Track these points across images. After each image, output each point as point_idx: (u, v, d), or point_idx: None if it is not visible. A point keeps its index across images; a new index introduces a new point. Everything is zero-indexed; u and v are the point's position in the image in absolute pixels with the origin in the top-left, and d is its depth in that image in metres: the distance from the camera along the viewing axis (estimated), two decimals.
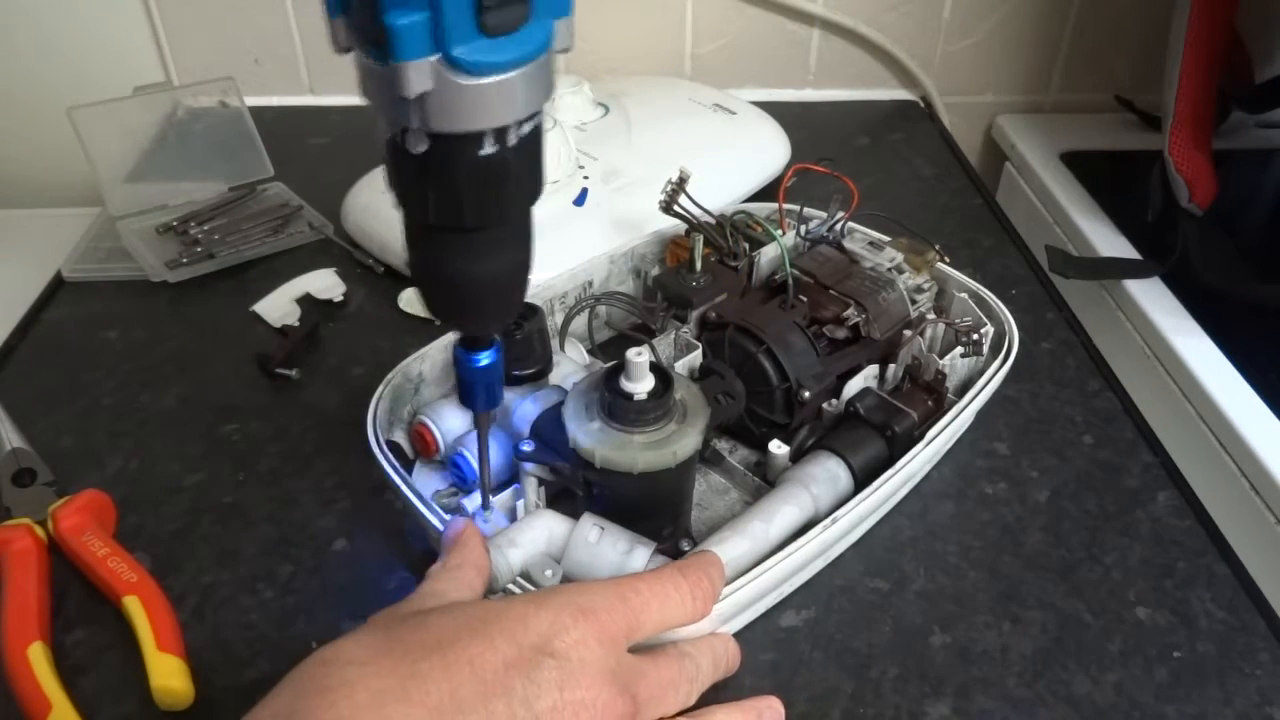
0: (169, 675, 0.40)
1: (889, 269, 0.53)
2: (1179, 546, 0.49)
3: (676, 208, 0.54)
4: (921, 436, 0.46)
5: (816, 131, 0.90)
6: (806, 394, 0.47)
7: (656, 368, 0.41)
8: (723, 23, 0.94)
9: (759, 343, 0.48)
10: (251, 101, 0.77)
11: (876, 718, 0.40)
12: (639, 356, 0.40)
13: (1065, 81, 1.01)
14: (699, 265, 0.53)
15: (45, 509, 0.47)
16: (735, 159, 0.76)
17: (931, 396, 0.49)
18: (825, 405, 0.49)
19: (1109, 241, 0.79)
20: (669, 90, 0.86)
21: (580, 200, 0.67)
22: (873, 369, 0.50)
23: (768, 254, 0.55)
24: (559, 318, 0.54)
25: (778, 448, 0.47)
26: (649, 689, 0.34)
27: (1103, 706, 0.41)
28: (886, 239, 0.56)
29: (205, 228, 0.70)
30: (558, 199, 0.66)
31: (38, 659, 0.40)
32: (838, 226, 0.57)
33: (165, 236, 0.70)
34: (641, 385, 0.41)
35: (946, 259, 0.55)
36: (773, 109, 0.83)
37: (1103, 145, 0.94)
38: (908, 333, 0.51)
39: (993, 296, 0.54)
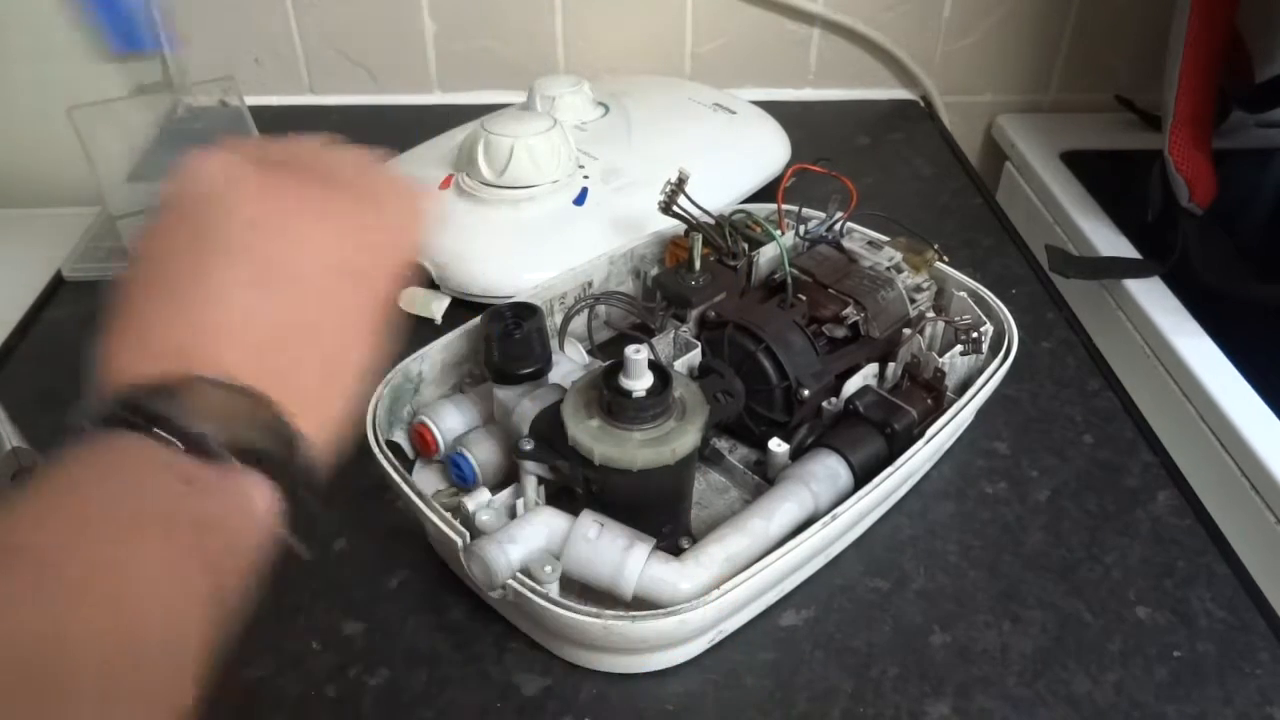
0: None
1: (888, 268, 0.53)
2: (1179, 546, 0.49)
3: (675, 208, 0.54)
4: (921, 434, 0.46)
5: (816, 131, 0.90)
6: (806, 392, 0.47)
7: (655, 365, 0.41)
8: (722, 22, 0.94)
9: (758, 341, 0.48)
10: (251, 101, 0.77)
11: (876, 717, 0.40)
12: (638, 354, 0.40)
13: (1065, 81, 1.01)
14: (698, 265, 0.53)
15: None
16: (735, 159, 0.76)
17: (931, 395, 0.49)
18: (825, 404, 0.49)
19: (1109, 241, 0.79)
20: (669, 90, 0.86)
21: (580, 200, 0.67)
22: (872, 367, 0.50)
23: (767, 254, 0.55)
24: (558, 318, 0.54)
25: (777, 446, 0.47)
26: None
27: (1103, 706, 0.41)
28: (885, 238, 0.56)
29: None
30: (558, 199, 0.66)
31: None
32: (836, 226, 0.57)
33: None
34: (640, 383, 0.41)
35: (945, 258, 0.55)
36: (773, 109, 0.83)
37: (1103, 145, 0.94)
38: (907, 331, 0.51)
39: (992, 295, 0.54)
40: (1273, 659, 0.43)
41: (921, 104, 0.99)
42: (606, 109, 0.78)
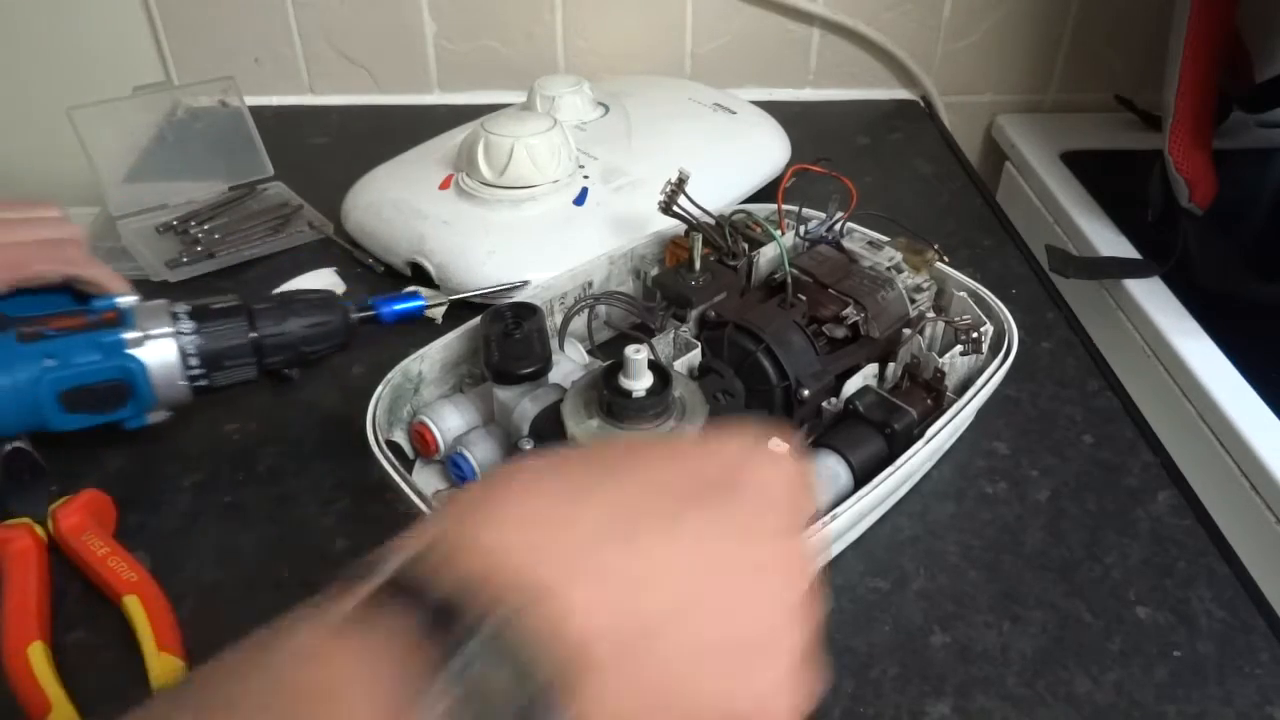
0: (169, 675, 0.40)
1: (888, 268, 0.53)
2: (1179, 546, 0.49)
3: (676, 208, 0.54)
4: (921, 434, 0.46)
5: (816, 131, 0.90)
6: (806, 392, 0.47)
7: (655, 365, 0.41)
8: (722, 22, 0.94)
9: (758, 341, 0.48)
10: (251, 101, 0.77)
11: (876, 717, 0.40)
12: (637, 354, 0.40)
13: (1065, 81, 1.01)
14: (698, 265, 0.53)
15: (46, 508, 0.47)
16: (735, 159, 0.76)
17: (931, 395, 0.49)
18: (824, 404, 0.49)
19: (1109, 241, 0.79)
20: (669, 90, 0.86)
21: (580, 200, 0.67)
22: (872, 367, 0.50)
23: (767, 254, 0.55)
24: (558, 318, 0.54)
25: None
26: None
27: (1103, 706, 0.41)
28: (885, 239, 0.56)
29: (205, 227, 0.70)
30: (558, 199, 0.66)
31: (38, 658, 0.40)
32: (836, 226, 0.57)
33: (165, 236, 0.70)
34: (640, 382, 0.41)
35: (945, 258, 0.55)
36: (772, 109, 0.83)
37: (1103, 145, 0.94)
38: (907, 331, 0.51)
39: (992, 295, 0.54)
40: (1273, 659, 0.43)
41: (921, 104, 0.99)
42: (606, 109, 0.78)
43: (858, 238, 0.57)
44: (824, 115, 0.96)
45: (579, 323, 0.55)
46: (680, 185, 0.54)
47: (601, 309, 0.58)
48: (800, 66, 0.98)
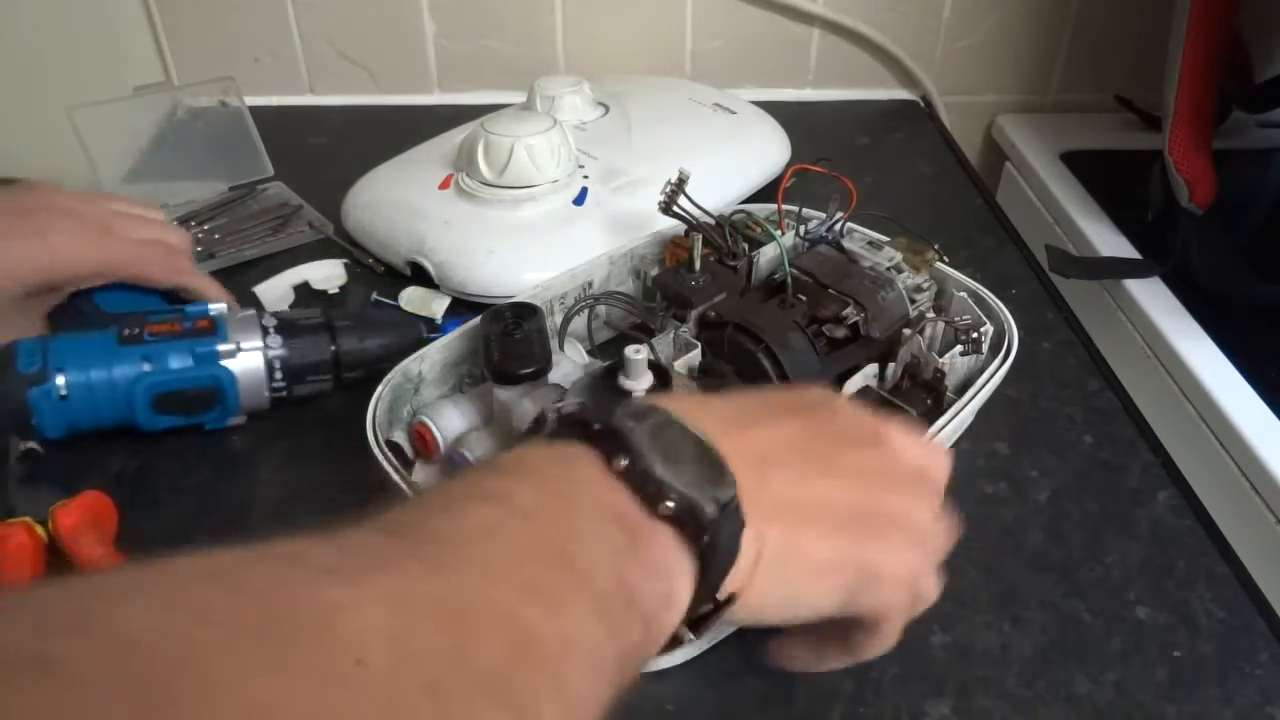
0: None
1: (888, 268, 0.53)
2: (1179, 546, 0.49)
3: (676, 208, 0.54)
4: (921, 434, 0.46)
5: (816, 131, 0.90)
6: None
7: (655, 365, 0.41)
8: (722, 22, 0.94)
9: (758, 341, 0.48)
10: (251, 101, 0.77)
11: (876, 717, 0.40)
12: (637, 354, 0.40)
13: (1065, 81, 1.01)
14: (698, 265, 0.53)
15: (46, 508, 0.47)
16: (735, 159, 0.76)
17: (931, 395, 0.49)
18: None
19: (1109, 241, 0.79)
20: (669, 90, 0.86)
21: (580, 200, 0.67)
22: (872, 368, 0.50)
23: (767, 254, 0.55)
24: (558, 318, 0.54)
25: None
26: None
27: (1103, 706, 0.41)
28: (885, 239, 0.56)
29: (205, 227, 0.70)
30: (558, 199, 0.66)
31: None
32: (836, 226, 0.57)
33: None
34: (640, 383, 0.41)
35: (945, 258, 0.55)
36: (773, 109, 0.83)
37: (1103, 145, 0.94)
38: (907, 331, 0.51)
39: (992, 296, 0.54)
40: (1273, 659, 0.43)
41: (921, 104, 0.99)
42: (606, 109, 0.78)
43: (858, 238, 0.57)
44: (824, 115, 0.96)
45: (579, 323, 0.55)
46: (680, 185, 0.54)
47: (601, 309, 0.58)
48: (800, 66, 0.98)
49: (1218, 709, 0.41)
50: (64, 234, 0.51)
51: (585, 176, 0.68)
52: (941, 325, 0.53)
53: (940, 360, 0.50)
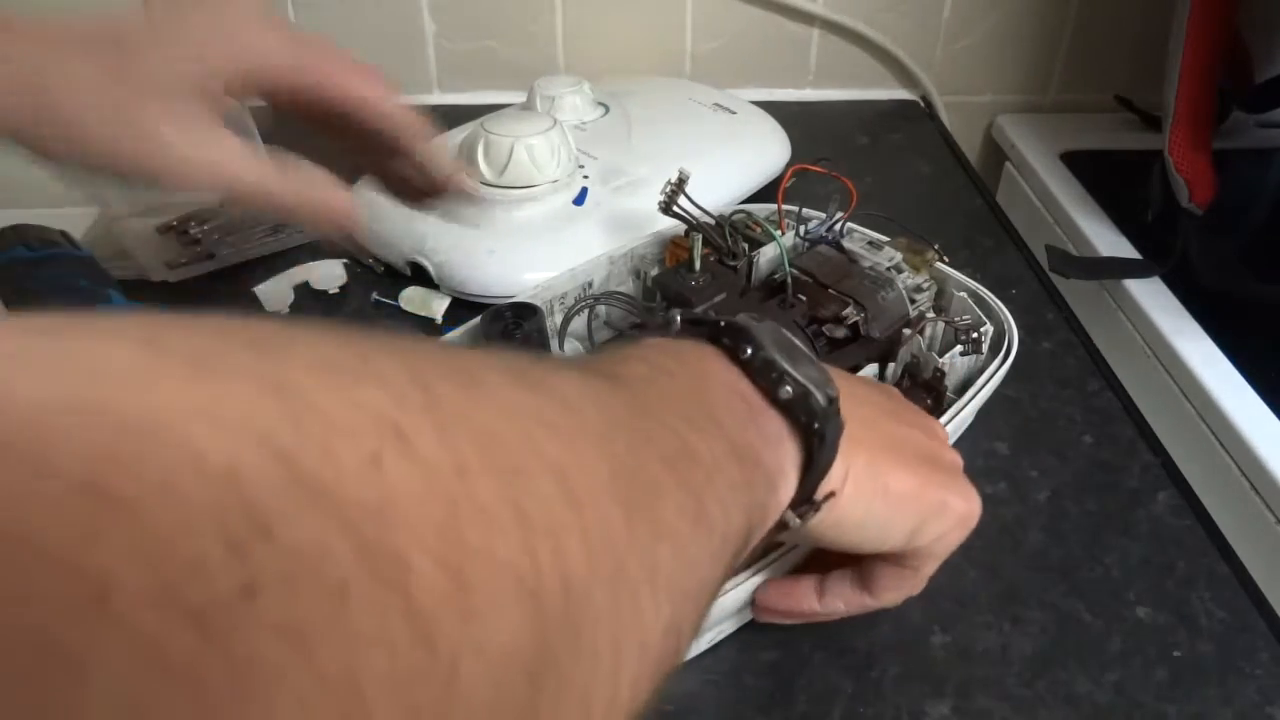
0: None
1: (888, 268, 0.53)
2: (1179, 546, 0.49)
3: (676, 208, 0.54)
4: None
5: (816, 131, 0.90)
6: None
7: None
8: (722, 22, 0.94)
9: None
10: (251, 101, 0.77)
11: (876, 718, 0.40)
12: None
13: (1065, 81, 1.01)
14: (698, 265, 0.53)
15: None
16: (735, 159, 0.76)
17: (930, 395, 0.49)
18: None
19: (1109, 241, 0.79)
20: (669, 90, 0.86)
21: (580, 200, 0.67)
22: (872, 368, 0.50)
23: (767, 254, 0.55)
24: (558, 318, 0.54)
25: None
26: None
27: (1103, 706, 0.41)
28: (886, 239, 0.56)
29: (205, 227, 0.70)
30: (558, 199, 0.66)
31: None
32: (837, 227, 0.57)
33: (165, 236, 0.70)
34: None
35: (946, 259, 0.55)
36: (773, 109, 0.83)
37: (1103, 145, 0.94)
38: (907, 332, 0.51)
39: (992, 296, 0.54)
40: (1273, 659, 0.43)
41: (921, 104, 0.99)
42: (606, 109, 0.78)
43: (858, 238, 0.57)
44: (824, 115, 0.96)
45: (579, 323, 0.55)
46: (681, 185, 0.54)
47: (601, 309, 0.58)
48: (800, 66, 0.98)
49: (1218, 709, 0.41)
50: (242, 9, 0.42)
51: (585, 176, 0.68)
52: (941, 325, 0.53)
53: (940, 360, 0.50)
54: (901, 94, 1.00)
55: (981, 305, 0.54)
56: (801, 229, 0.57)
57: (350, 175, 0.47)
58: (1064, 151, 0.92)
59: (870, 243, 0.56)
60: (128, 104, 0.39)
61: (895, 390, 0.41)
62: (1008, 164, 0.97)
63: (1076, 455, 0.54)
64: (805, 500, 0.31)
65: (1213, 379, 0.65)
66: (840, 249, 0.55)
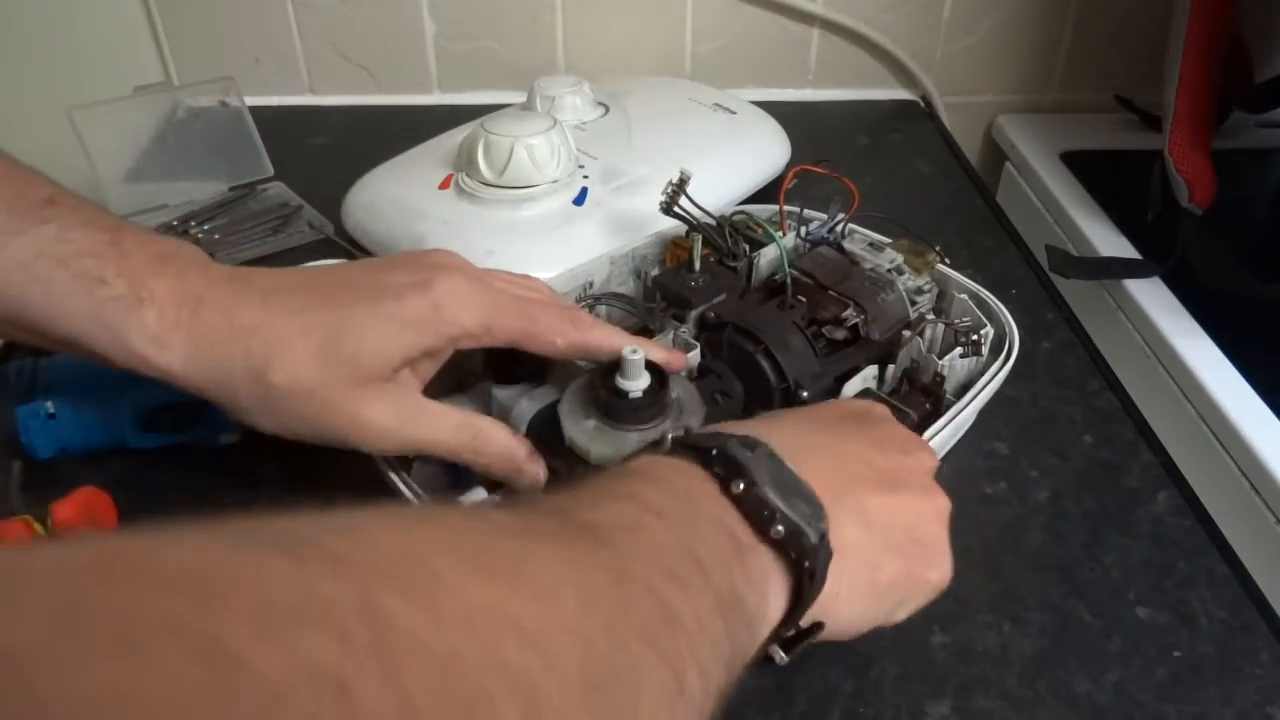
0: None
1: (889, 270, 0.53)
2: (1179, 546, 0.49)
3: (676, 209, 0.54)
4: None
5: (816, 131, 0.90)
6: (805, 394, 0.47)
7: (652, 365, 0.41)
8: (723, 22, 0.94)
9: (757, 343, 0.48)
10: (251, 101, 0.77)
11: (876, 718, 0.40)
12: (634, 354, 0.40)
13: (1065, 81, 1.01)
14: (698, 266, 0.53)
15: (46, 506, 0.47)
16: (735, 159, 0.76)
17: (929, 399, 0.49)
18: None
19: (1109, 241, 0.79)
20: (669, 90, 0.85)
21: (580, 200, 0.67)
22: (871, 370, 0.50)
23: (767, 255, 0.55)
24: None
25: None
26: None
27: (1103, 706, 0.41)
28: (887, 240, 0.56)
29: (205, 228, 0.70)
30: (558, 199, 0.66)
31: None
32: (838, 228, 0.57)
33: (165, 236, 0.70)
34: (637, 383, 0.41)
35: (947, 260, 0.55)
36: (773, 109, 0.83)
37: (1103, 145, 0.94)
38: (907, 334, 0.51)
39: (993, 298, 0.54)
40: (1273, 659, 0.43)
41: (921, 104, 0.99)
42: (606, 109, 0.78)
43: (859, 239, 0.57)
44: (824, 115, 0.96)
45: None
46: (681, 185, 0.54)
47: (602, 309, 0.58)
48: (800, 66, 0.98)
49: (1218, 709, 0.41)
50: (447, 284, 0.42)
51: (585, 176, 0.68)
52: (941, 327, 0.53)
53: (940, 363, 0.50)
54: (901, 94, 1.00)
55: (982, 307, 0.54)
56: (802, 230, 0.57)
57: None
58: (1064, 151, 0.92)
59: (871, 244, 0.56)
60: (339, 396, 0.39)
61: (883, 415, 0.42)
62: (1008, 164, 0.97)
63: (1076, 455, 0.54)
64: (791, 622, 0.32)
65: (1213, 379, 0.65)
66: (841, 250, 0.55)
